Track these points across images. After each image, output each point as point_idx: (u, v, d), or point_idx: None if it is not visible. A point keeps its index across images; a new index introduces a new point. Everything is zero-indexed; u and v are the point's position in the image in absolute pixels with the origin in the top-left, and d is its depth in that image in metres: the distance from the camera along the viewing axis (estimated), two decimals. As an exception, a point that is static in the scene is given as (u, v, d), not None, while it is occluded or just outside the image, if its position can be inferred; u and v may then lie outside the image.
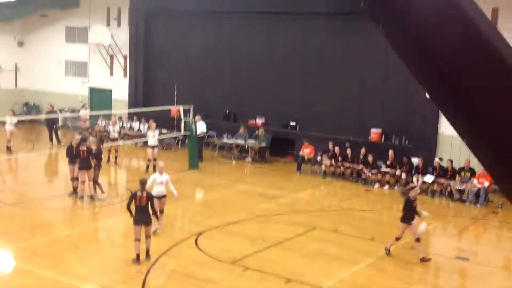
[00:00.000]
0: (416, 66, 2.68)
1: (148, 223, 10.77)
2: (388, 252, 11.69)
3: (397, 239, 11.65)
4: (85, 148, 14.87)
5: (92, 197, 14.98)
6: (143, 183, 10.92)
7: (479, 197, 16.48)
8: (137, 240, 10.60)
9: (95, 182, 15.07)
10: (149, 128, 20.44)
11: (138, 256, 10.65)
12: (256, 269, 10.65)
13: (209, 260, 11.08)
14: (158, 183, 12.40)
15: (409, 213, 11.45)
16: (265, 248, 11.91)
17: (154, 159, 18.05)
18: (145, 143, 23.44)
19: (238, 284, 9.94)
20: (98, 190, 15.13)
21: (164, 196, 12.43)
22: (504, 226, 15.02)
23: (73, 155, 15.11)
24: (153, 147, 18.66)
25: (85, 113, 23.90)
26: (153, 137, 18.74)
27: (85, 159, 14.86)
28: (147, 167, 18.59)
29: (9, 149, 20.71)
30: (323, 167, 19.43)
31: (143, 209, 10.69)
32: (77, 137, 15.73)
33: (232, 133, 22.58)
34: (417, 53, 2.63)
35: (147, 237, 10.81)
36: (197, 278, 10.10)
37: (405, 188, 12.42)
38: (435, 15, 2.45)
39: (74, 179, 15.10)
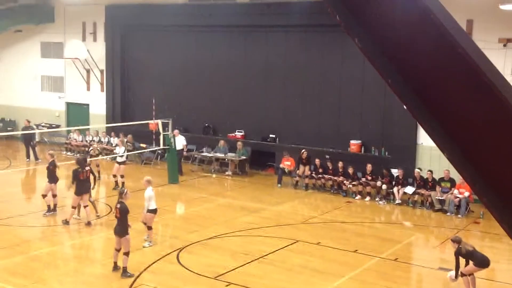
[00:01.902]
0: (392, 79, 2.65)
1: (119, 234, 10.72)
2: None
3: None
4: (88, 168, 14.41)
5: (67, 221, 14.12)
6: (120, 193, 10.99)
7: (460, 207, 16.58)
8: (115, 249, 10.91)
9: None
10: (116, 144, 20.27)
11: (115, 263, 10.86)
12: (239, 284, 10.53)
13: (192, 275, 10.93)
14: (153, 198, 12.50)
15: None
16: (247, 262, 11.80)
17: (122, 176, 18.08)
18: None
19: (221, 299, 9.81)
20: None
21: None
22: (485, 236, 15.12)
23: (80, 180, 14.07)
24: (119, 163, 18.56)
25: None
26: (118, 153, 18.52)
27: (86, 180, 14.24)
28: (116, 183, 18.40)
29: None
30: (305, 180, 19.39)
31: (118, 221, 10.85)
32: (49, 152, 15.59)
33: (211, 147, 22.49)
34: (392, 67, 2.60)
35: (123, 252, 10.71)
36: (178, 295, 9.94)
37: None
38: (409, 28, 2.43)
39: (46, 196, 14.87)
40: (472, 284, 10.49)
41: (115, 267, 10.90)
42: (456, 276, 10.37)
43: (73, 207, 14.21)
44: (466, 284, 10.48)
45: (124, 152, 19.01)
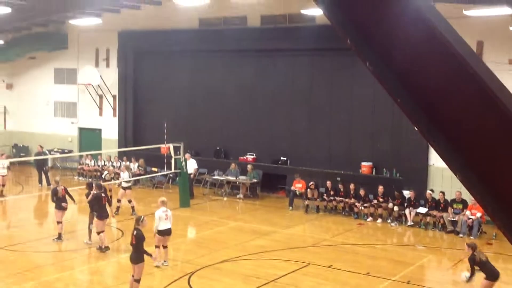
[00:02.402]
0: (402, 99, 2.67)
1: (133, 262, 10.69)
2: None
3: None
4: (104, 194, 14.45)
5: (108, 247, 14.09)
6: (136, 220, 10.91)
7: (473, 228, 16.43)
8: (132, 276, 10.82)
9: (89, 226, 14.73)
10: (121, 169, 20.21)
11: None
12: (250, 308, 10.46)
13: (203, 300, 10.87)
14: (163, 218, 12.62)
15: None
16: (259, 286, 11.72)
17: (129, 201, 18.06)
18: (136, 182, 23.38)
19: (233, 324, 9.73)
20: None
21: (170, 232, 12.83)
22: (499, 257, 14.92)
23: (101, 205, 14.15)
24: (124, 188, 18.48)
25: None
26: (122, 178, 18.40)
27: (104, 205, 14.33)
28: (117, 208, 18.19)
29: (1, 193, 20.50)
30: (316, 202, 19.34)
31: (133, 248, 10.76)
32: (56, 179, 15.65)
33: (223, 170, 22.52)
34: (403, 90, 2.63)
35: (134, 278, 10.68)
36: (190, 319, 9.88)
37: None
38: (419, 49, 2.46)
39: (60, 222, 14.83)
40: None
41: None
42: (469, 280, 10.42)
43: (100, 232, 13.94)
44: None
45: (128, 177, 19.01)
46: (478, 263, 10.35)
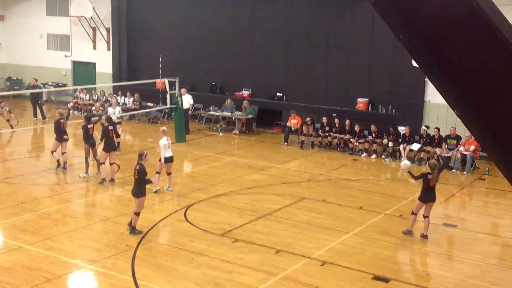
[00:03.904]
0: (404, 34, 2.60)
1: (134, 195, 10.84)
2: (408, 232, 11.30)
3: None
4: (112, 127, 14.67)
5: (112, 180, 14.41)
6: (139, 155, 11.06)
7: (466, 163, 16.62)
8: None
9: (86, 159, 14.87)
10: (110, 104, 19.83)
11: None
12: (245, 240, 10.69)
13: (199, 232, 11.09)
14: (167, 147, 13.28)
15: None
16: (254, 219, 11.94)
17: (117, 136, 17.46)
18: (131, 117, 23.36)
19: (228, 255, 9.97)
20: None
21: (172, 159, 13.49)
22: (490, 192, 15.19)
23: (108, 137, 14.38)
24: (115, 123, 17.97)
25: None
26: (113, 114, 18.17)
27: (111, 138, 14.55)
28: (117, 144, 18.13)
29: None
30: (311, 137, 19.45)
31: (135, 182, 10.91)
32: (59, 111, 15.73)
33: (218, 105, 22.47)
34: (405, 22, 2.55)
35: (134, 211, 10.89)
36: (187, 251, 10.12)
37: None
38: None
39: (54, 151, 15.19)
40: (425, 227, 11.09)
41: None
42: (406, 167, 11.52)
43: (102, 163, 14.45)
44: (412, 221, 11.22)
45: (118, 112, 18.88)
46: (425, 182, 10.90)
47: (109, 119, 14.95)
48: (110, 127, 14.53)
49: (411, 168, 11.68)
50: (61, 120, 15.24)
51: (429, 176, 10.90)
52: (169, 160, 13.51)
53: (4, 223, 11.37)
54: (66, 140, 15.32)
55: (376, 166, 17.52)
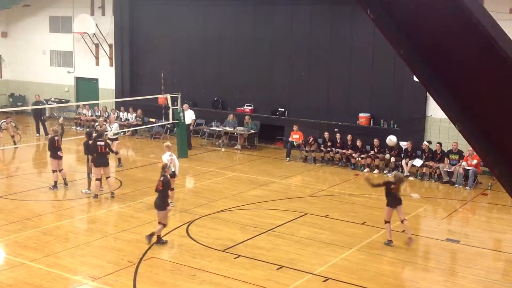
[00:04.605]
0: (404, 49, 2.62)
1: (158, 208, 11.08)
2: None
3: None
4: (103, 143, 14.54)
5: (112, 195, 14.47)
6: (162, 168, 11.35)
7: (468, 179, 16.58)
8: (158, 223, 11.21)
9: (88, 175, 14.86)
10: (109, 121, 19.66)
11: (158, 236, 11.17)
12: (247, 256, 10.65)
13: (201, 248, 11.06)
14: (169, 162, 13.12)
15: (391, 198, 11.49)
16: (256, 235, 11.90)
17: (116, 152, 17.23)
18: (133, 132, 23.42)
19: (230, 271, 9.93)
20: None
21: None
22: (493, 207, 15.13)
23: (91, 150, 14.45)
24: (112, 140, 17.83)
25: None
26: (110, 130, 18.18)
27: (103, 154, 14.43)
28: (119, 160, 17.96)
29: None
30: (313, 153, 19.44)
31: (159, 194, 11.12)
32: (54, 128, 15.59)
33: (220, 121, 22.51)
34: (405, 38, 2.57)
35: (160, 223, 11.09)
36: (189, 267, 10.08)
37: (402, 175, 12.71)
38: (423, 1, 2.40)
39: (56, 171, 14.99)
40: (407, 229, 11.50)
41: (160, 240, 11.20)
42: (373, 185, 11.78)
43: (98, 179, 14.41)
44: (388, 231, 11.52)
45: (115, 128, 18.77)
46: (387, 189, 11.39)
47: (99, 135, 14.87)
48: (100, 143, 14.40)
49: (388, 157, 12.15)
50: (55, 137, 15.02)
51: (392, 186, 11.31)
52: (172, 175, 13.43)
53: (6, 240, 11.36)
54: (61, 157, 15.06)
55: (378, 181, 17.45)
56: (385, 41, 2.55)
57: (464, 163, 16.75)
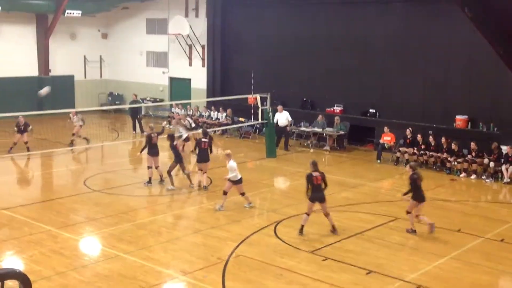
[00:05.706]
0: (505, 49, 2.45)
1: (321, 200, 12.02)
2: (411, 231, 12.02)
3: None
4: (207, 141, 15.19)
5: (206, 187, 15.20)
6: (314, 164, 12.17)
7: None
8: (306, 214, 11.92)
9: (169, 173, 15.27)
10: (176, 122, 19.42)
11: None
12: (336, 259, 10.49)
13: (288, 248, 11.02)
14: (233, 169, 13.30)
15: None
16: (345, 238, 11.71)
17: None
18: (223, 132, 23.82)
19: (318, 273, 9.82)
20: (168, 180, 15.33)
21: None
22: None
23: (201, 149, 15.13)
24: (184, 141, 17.88)
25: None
26: (178, 132, 18.10)
27: (205, 150, 15.15)
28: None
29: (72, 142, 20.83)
30: (406, 156, 18.85)
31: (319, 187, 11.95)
32: (151, 125, 16.25)
33: (309, 121, 22.40)
34: (505, 36, 2.40)
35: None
36: (276, 266, 10.07)
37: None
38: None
39: (150, 167, 15.56)
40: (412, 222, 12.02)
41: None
42: (405, 195, 12.15)
43: (200, 171, 15.22)
44: (411, 220, 12.03)
45: (182, 131, 18.48)
46: (412, 182, 11.89)
47: (204, 132, 15.47)
48: (204, 139, 15.11)
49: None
50: (152, 135, 15.62)
51: (415, 176, 11.83)
52: (238, 182, 13.39)
53: (103, 232, 11.89)
54: (157, 154, 15.57)
55: (475, 187, 16.67)
56: (484, 40, 2.38)
57: None
